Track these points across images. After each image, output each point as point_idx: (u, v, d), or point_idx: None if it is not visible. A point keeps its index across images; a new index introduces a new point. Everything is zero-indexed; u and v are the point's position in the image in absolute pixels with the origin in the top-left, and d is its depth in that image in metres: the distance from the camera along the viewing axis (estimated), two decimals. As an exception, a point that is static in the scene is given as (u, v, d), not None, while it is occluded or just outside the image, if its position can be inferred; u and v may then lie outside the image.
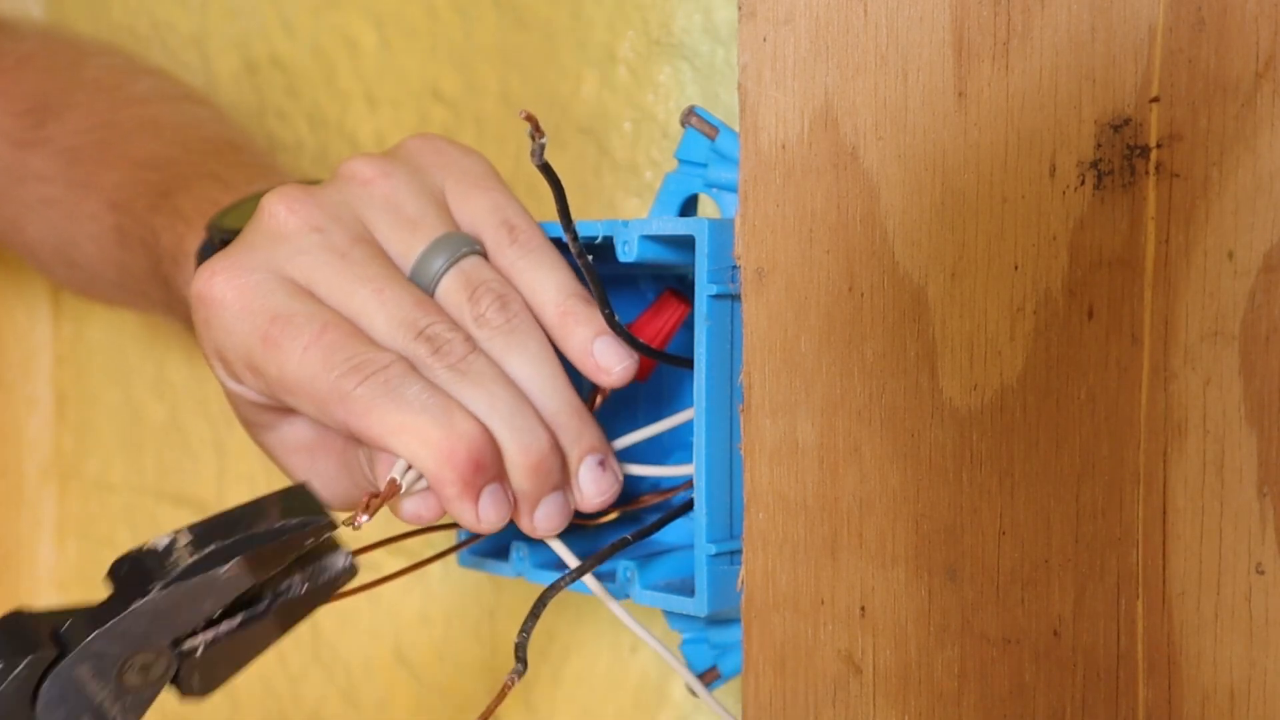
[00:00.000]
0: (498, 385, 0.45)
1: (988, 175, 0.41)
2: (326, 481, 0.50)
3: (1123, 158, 0.38)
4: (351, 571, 0.42)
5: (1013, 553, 0.41)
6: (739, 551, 0.47)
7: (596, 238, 0.48)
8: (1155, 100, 0.38)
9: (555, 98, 0.67)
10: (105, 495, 0.95)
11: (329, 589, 0.42)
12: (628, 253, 0.48)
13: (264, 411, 0.49)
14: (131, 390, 0.92)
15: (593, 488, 0.48)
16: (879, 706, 0.44)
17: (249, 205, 0.58)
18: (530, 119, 0.43)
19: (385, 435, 0.44)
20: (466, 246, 0.47)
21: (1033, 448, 0.40)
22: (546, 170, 0.44)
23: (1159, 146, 0.38)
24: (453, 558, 0.55)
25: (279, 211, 0.47)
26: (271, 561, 0.40)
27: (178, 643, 0.40)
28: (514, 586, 0.71)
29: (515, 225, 0.48)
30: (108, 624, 0.39)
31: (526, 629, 0.46)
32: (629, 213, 0.64)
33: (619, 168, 0.65)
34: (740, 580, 0.47)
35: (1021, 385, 0.41)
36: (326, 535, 0.41)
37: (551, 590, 0.48)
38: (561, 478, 0.47)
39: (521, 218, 0.48)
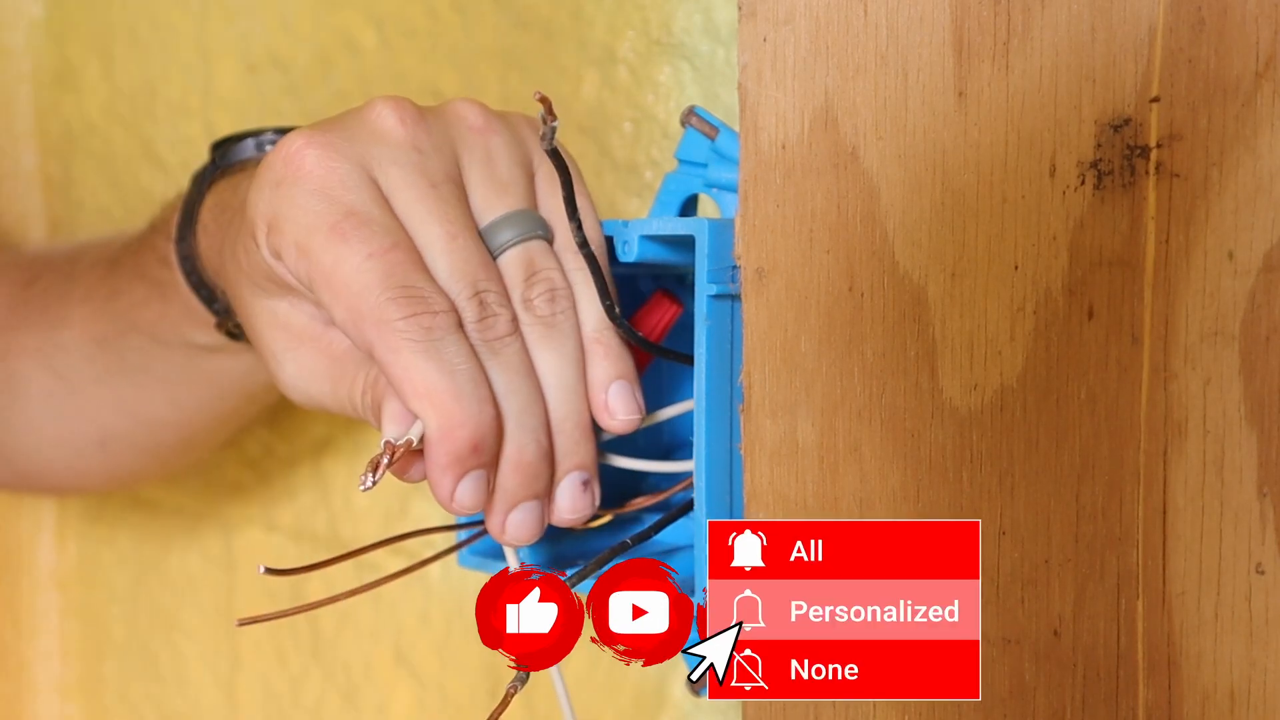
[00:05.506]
0: (520, 378, 0.45)
1: (988, 175, 0.41)
2: (302, 372, 0.48)
3: (1123, 158, 0.38)
4: None
5: (1013, 553, 0.41)
6: (739, 551, 0.47)
7: (597, 238, 0.48)
8: (1155, 100, 0.38)
9: (555, 98, 0.67)
10: (105, 495, 0.95)
11: None
12: (628, 253, 0.48)
13: (277, 282, 0.47)
14: (131, 390, 0.92)
15: (568, 503, 0.47)
16: (879, 706, 0.44)
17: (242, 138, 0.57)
18: (544, 101, 0.42)
19: (403, 380, 0.43)
20: (541, 230, 0.47)
21: (1033, 448, 0.40)
22: (555, 156, 0.44)
23: (1159, 146, 0.38)
24: (453, 558, 0.55)
25: (389, 116, 0.46)
26: None
27: None
28: (514, 586, 0.71)
29: (590, 236, 0.48)
30: None
31: None
32: (629, 213, 0.64)
33: (619, 168, 0.65)
34: (740, 580, 0.47)
35: (1021, 385, 0.41)
36: None
37: None
38: (544, 487, 0.47)
39: (597, 233, 0.48)
